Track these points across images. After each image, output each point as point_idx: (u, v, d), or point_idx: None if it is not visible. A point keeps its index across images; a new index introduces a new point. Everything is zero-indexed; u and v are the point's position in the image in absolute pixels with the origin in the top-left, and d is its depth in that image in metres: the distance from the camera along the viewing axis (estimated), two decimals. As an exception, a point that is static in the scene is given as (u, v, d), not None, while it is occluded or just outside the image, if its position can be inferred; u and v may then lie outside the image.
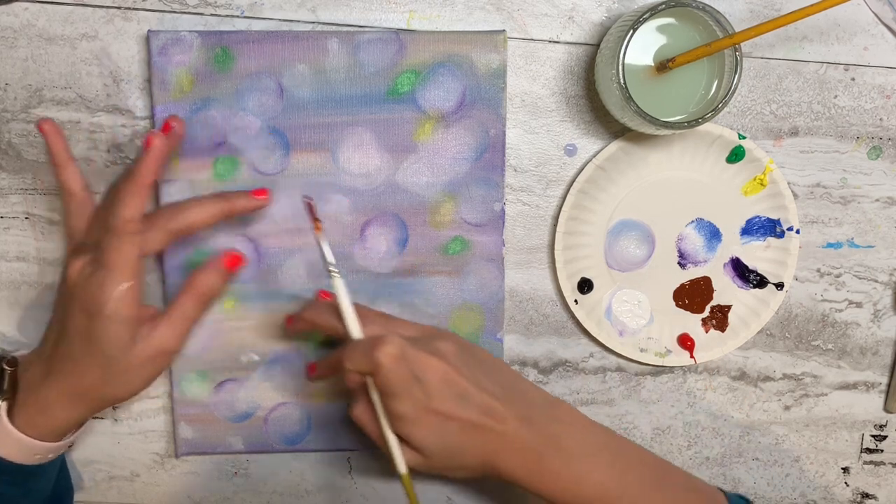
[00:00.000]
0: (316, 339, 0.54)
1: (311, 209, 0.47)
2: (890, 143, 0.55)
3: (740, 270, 0.56)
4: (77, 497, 0.56)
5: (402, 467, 0.45)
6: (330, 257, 0.46)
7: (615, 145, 0.53)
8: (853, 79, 0.54)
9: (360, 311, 0.48)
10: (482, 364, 0.46)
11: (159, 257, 0.53)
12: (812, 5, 0.45)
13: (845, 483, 0.60)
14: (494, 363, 0.48)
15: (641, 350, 0.56)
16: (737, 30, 0.45)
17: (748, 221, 0.55)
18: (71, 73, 0.51)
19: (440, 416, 0.44)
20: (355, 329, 0.46)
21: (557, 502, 0.46)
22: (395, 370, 0.43)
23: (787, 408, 0.59)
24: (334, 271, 0.46)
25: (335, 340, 0.53)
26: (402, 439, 0.45)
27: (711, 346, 0.56)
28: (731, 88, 0.46)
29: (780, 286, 0.55)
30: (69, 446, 0.50)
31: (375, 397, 0.45)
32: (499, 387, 0.45)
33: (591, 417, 0.48)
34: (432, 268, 0.54)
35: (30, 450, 0.46)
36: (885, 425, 0.60)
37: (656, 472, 0.48)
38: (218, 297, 0.50)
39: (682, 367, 0.57)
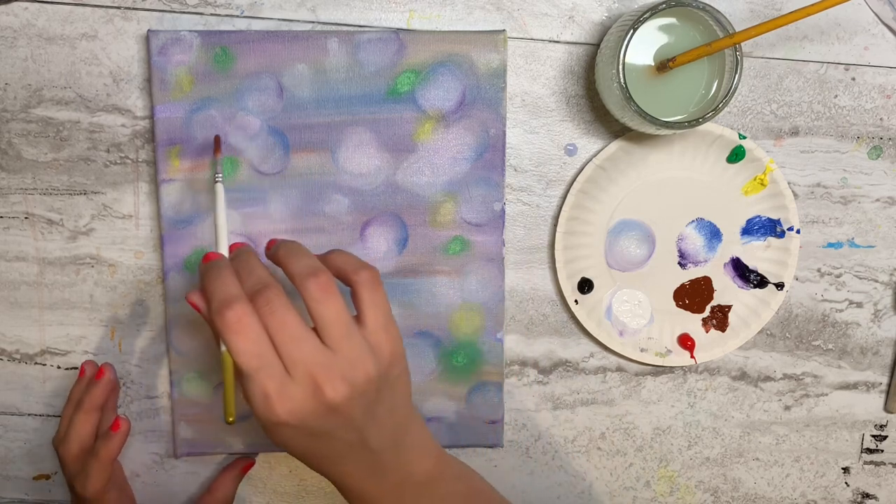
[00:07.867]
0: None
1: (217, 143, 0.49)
2: (890, 143, 0.55)
3: (740, 270, 0.56)
4: (77, 497, 0.56)
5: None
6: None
7: (615, 145, 0.53)
8: (853, 78, 0.54)
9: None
10: None
11: (159, 257, 0.53)
12: (812, 5, 0.45)
13: (846, 483, 0.60)
14: None
15: (641, 350, 0.56)
16: (737, 29, 0.45)
17: (748, 221, 0.55)
18: (71, 72, 0.51)
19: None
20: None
21: None
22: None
23: (787, 408, 0.59)
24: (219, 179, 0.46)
25: None
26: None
27: (712, 346, 0.56)
28: (731, 88, 0.46)
29: (780, 286, 0.55)
30: None
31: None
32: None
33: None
34: (432, 268, 0.54)
35: None
36: (885, 425, 0.60)
37: None
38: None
39: (682, 367, 0.57)
